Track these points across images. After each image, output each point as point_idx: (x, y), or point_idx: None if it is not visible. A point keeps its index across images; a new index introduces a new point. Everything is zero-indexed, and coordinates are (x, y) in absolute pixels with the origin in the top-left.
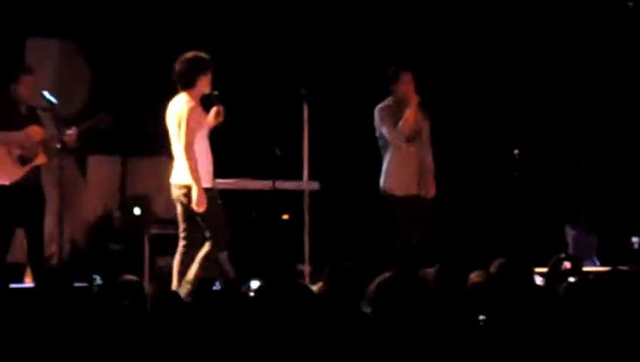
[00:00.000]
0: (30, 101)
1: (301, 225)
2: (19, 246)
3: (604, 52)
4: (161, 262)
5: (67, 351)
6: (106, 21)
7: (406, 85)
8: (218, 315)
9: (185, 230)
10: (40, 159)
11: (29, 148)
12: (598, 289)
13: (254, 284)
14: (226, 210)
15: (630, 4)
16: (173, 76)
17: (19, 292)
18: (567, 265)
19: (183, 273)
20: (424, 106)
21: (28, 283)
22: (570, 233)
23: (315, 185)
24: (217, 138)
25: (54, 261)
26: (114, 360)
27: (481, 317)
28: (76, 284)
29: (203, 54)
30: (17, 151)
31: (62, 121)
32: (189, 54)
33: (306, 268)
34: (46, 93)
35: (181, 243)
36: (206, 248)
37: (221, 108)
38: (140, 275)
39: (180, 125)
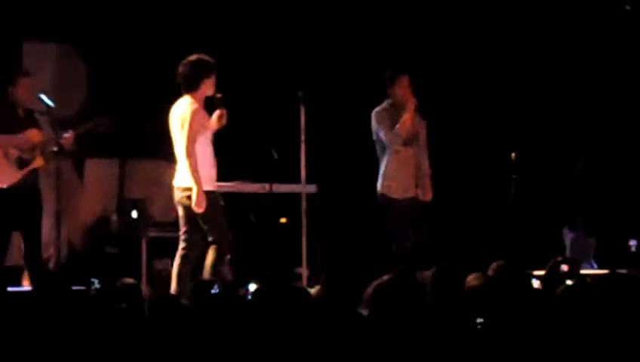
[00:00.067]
0: (28, 104)
1: (299, 228)
2: (16, 250)
3: (602, 57)
4: (158, 265)
5: (65, 355)
6: (103, 24)
7: (403, 88)
8: (216, 318)
9: (185, 232)
10: (37, 162)
11: (26, 151)
12: (595, 292)
13: (252, 287)
14: (226, 212)
15: (628, 7)
16: (177, 78)
17: (16, 296)
18: (564, 268)
19: (181, 276)
20: (421, 109)
21: (25, 286)
22: (567, 236)
23: (312, 188)
24: (215, 141)
25: (52, 264)
26: None
27: (479, 320)
28: (74, 287)
29: (207, 57)
30: (15, 154)
31: (59, 124)
32: (194, 57)
33: (304, 271)
34: (43, 96)
35: (181, 245)
36: (211, 254)
37: (224, 111)
38: (138, 278)
39: (182, 127)
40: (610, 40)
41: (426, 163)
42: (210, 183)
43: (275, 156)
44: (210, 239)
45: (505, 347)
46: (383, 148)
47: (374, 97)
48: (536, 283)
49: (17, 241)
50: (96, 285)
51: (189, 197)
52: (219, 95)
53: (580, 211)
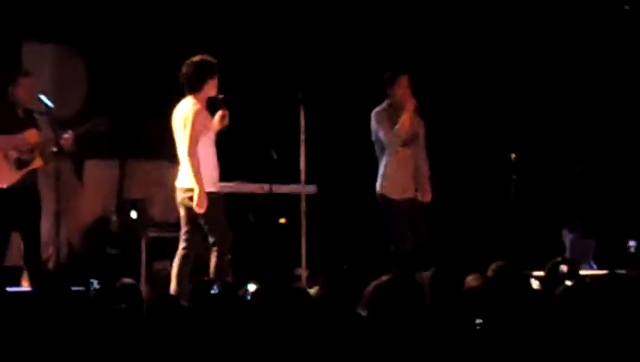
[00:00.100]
0: (27, 104)
1: (298, 229)
2: (16, 250)
3: (601, 57)
4: (158, 265)
5: (64, 355)
6: (102, 25)
7: (403, 89)
8: (215, 318)
9: (186, 233)
10: (37, 162)
11: (25, 152)
12: (594, 292)
13: (251, 288)
14: (227, 213)
15: (627, 7)
16: (180, 79)
17: (16, 296)
18: (564, 268)
19: (181, 276)
20: (421, 110)
21: (25, 286)
22: (567, 236)
23: (311, 189)
24: (215, 142)
25: (51, 264)
26: None
27: (478, 321)
28: (73, 288)
29: (210, 58)
30: (14, 155)
31: (59, 125)
32: (197, 58)
33: (303, 272)
34: (43, 97)
35: (181, 245)
36: (214, 256)
37: (226, 112)
38: (137, 279)
39: (185, 128)
40: (610, 40)
41: (425, 164)
42: (212, 184)
43: (275, 156)
44: (211, 240)
45: (504, 348)
46: (382, 149)
47: (374, 98)
48: (535, 284)
49: (17, 242)
50: (96, 285)
51: (191, 198)
52: (221, 96)
53: (579, 212)
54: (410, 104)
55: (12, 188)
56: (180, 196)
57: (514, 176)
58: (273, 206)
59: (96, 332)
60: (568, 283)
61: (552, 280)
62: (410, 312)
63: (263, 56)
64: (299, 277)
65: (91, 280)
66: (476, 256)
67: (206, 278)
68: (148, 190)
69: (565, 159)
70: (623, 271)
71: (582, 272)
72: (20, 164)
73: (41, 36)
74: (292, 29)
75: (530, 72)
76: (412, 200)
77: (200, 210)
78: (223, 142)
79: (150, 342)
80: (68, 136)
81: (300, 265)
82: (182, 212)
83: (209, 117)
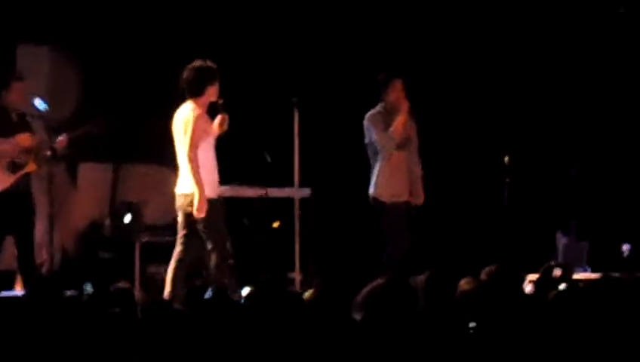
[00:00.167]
0: (21, 108)
1: (292, 233)
2: (9, 254)
3: (595, 60)
4: (151, 269)
5: (58, 359)
6: (97, 28)
7: (397, 92)
8: (209, 322)
9: (184, 236)
10: (30, 166)
11: (18, 156)
12: (588, 296)
13: (245, 291)
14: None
15: (621, 10)
16: (181, 84)
17: (9, 301)
18: (557, 272)
19: (175, 280)
20: (415, 113)
21: (18, 290)
22: (561, 240)
23: (305, 193)
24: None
25: (45, 269)
26: None
27: (472, 325)
28: (67, 292)
29: (211, 63)
30: (7, 158)
31: (52, 128)
32: (198, 63)
33: (297, 275)
34: (37, 100)
35: (178, 248)
36: (214, 261)
37: (226, 116)
38: (131, 283)
39: (185, 132)
40: (604, 44)
41: (418, 167)
42: (212, 190)
43: (269, 160)
44: (209, 246)
45: (497, 351)
46: (375, 152)
47: (368, 102)
48: (529, 288)
49: (10, 246)
50: (90, 289)
51: (190, 204)
52: (221, 101)
53: (573, 215)
54: (405, 107)
55: (5, 192)
56: (179, 202)
57: (507, 179)
58: (267, 209)
59: (90, 337)
60: (562, 286)
61: (545, 283)
62: (403, 316)
63: (257, 60)
64: (293, 281)
65: (85, 284)
66: (470, 260)
67: (200, 283)
68: (142, 194)
69: (559, 162)
70: (616, 275)
71: (575, 276)
72: (14, 167)
73: (37, 38)
74: (286, 33)
75: (524, 75)
76: (406, 204)
77: (200, 215)
78: (218, 146)
79: (144, 346)
80: (61, 139)
81: (293, 269)
82: (180, 217)
83: (209, 121)
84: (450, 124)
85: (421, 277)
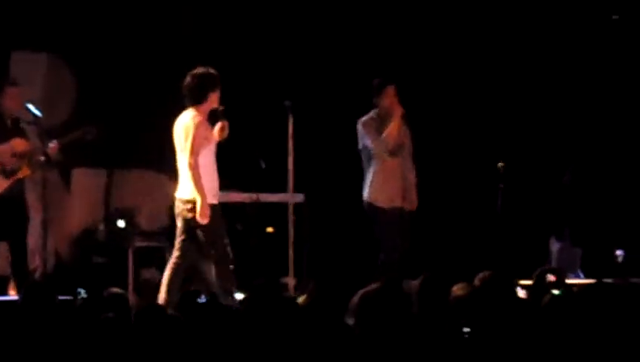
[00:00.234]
0: (15, 113)
1: (285, 238)
2: (3, 259)
3: (589, 67)
4: (145, 274)
5: None
6: (91, 34)
7: (390, 98)
8: (203, 327)
9: (182, 241)
10: (24, 172)
11: (12, 161)
12: (581, 301)
13: (239, 297)
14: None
15: (615, 17)
16: (182, 90)
17: (3, 305)
18: (551, 277)
19: (170, 285)
20: (408, 119)
21: (12, 295)
22: (554, 246)
23: (299, 198)
24: None
25: (38, 274)
26: None
27: (466, 330)
28: (60, 297)
29: (213, 70)
30: (0, 164)
31: (47, 134)
32: (200, 70)
33: (291, 281)
34: (31, 106)
35: (175, 253)
36: (215, 267)
37: (226, 123)
38: (125, 288)
39: (186, 139)
40: (598, 50)
41: (411, 172)
42: (212, 196)
43: (263, 165)
44: (210, 252)
45: (491, 357)
46: (369, 158)
47: (361, 107)
48: (522, 293)
49: (3, 251)
50: (83, 294)
51: (190, 210)
52: (222, 107)
53: (566, 221)
54: (398, 113)
55: None
56: (179, 207)
57: (501, 185)
58: (261, 215)
59: (84, 342)
60: (555, 292)
61: (539, 289)
62: (397, 321)
63: (251, 64)
64: (286, 286)
65: (79, 289)
66: (463, 265)
67: (194, 289)
68: (135, 199)
69: (553, 168)
70: (610, 281)
71: (569, 281)
72: (7, 173)
73: (32, 45)
74: (280, 37)
75: (518, 82)
76: (400, 209)
77: (203, 221)
78: None
79: (138, 350)
80: (53, 145)
81: (287, 274)
82: (179, 223)
83: (210, 128)
84: (444, 130)
85: (415, 283)
